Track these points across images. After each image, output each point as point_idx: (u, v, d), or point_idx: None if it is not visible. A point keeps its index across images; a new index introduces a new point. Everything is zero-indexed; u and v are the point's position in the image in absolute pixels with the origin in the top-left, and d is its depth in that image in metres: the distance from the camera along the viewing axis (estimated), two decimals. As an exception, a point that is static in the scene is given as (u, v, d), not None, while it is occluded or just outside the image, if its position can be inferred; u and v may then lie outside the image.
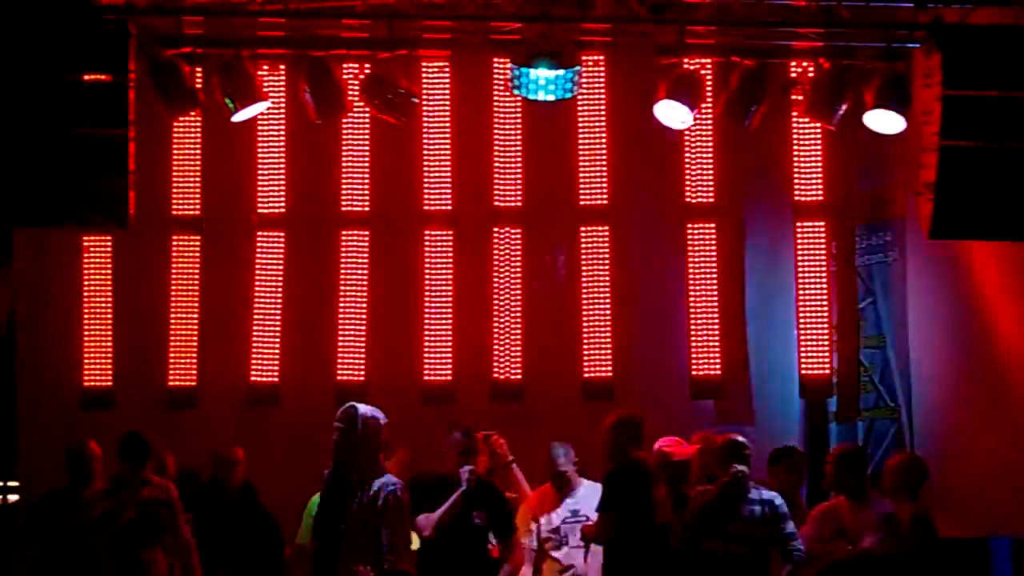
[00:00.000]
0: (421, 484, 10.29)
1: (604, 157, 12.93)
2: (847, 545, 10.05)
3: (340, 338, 12.87)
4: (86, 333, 12.96)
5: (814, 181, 12.89)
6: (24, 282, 13.15)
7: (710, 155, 12.93)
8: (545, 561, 10.84)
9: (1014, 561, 12.27)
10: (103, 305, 12.96)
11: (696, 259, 12.95)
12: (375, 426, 9.33)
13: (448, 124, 12.94)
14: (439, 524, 10.22)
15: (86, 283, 13.00)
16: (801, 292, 12.82)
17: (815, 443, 12.52)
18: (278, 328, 12.88)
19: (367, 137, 12.99)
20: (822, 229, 12.89)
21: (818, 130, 12.73)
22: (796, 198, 12.92)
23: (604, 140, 12.93)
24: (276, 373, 12.86)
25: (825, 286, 12.82)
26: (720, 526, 9.93)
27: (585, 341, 12.84)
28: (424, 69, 12.71)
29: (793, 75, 12.16)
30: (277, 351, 12.87)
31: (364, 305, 12.89)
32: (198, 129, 12.97)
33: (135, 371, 12.87)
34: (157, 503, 10.38)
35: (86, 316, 12.96)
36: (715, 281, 12.90)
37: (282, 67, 12.52)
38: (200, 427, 12.44)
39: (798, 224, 12.91)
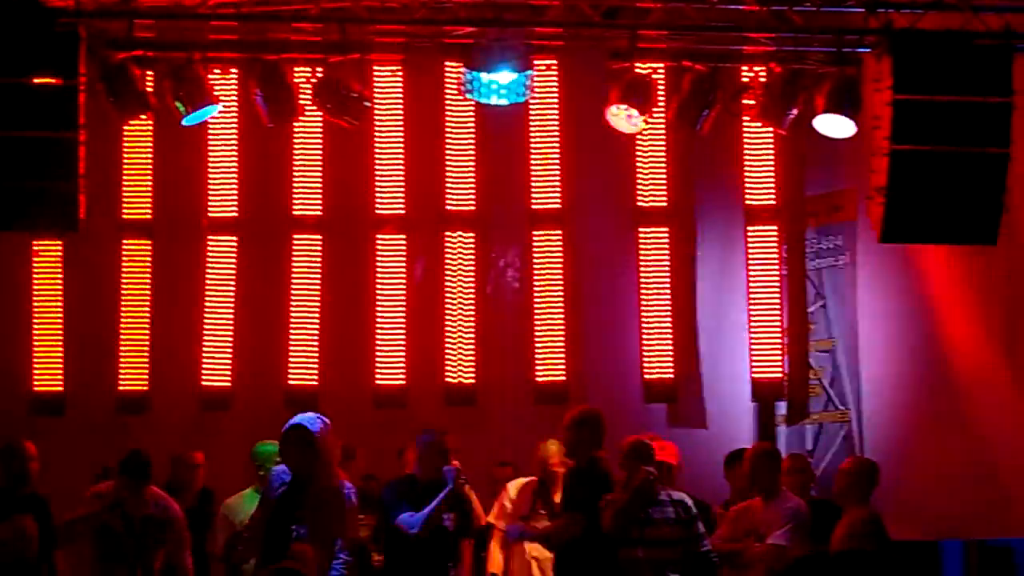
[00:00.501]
0: (397, 487, 10.32)
1: (557, 161, 12.98)
2: (755, 542, 10.08)
3: (292, 342, 12.86)
4: (36, 337, 12.88)
5: (765, 185, 12.95)
6: (-27, 286, 13.08)
7: (662, 159, 13.00)
8: (519, 548, 10.88)
9: (964, 564, 12.32)
10: (53, 309, 12.90)
11: (648, 263, 13.01)
12: (331, 438, 9.36)
13: (401, 128, 12.95)
14: (429, 522, 10.18)
15: (36, 287, 12.93)
16: (752, 296, 12.89)
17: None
18: (230, 332, 12.87)
19: (319, 141, 12.99)
20: (774, 233, 12.96)
21: (769, 134, 12.79)
22: (747, 202, 12.97)
23: (557, 144, 12.98)
24: (228, 377, 12.83)
25: (777, 290, 12.90)
26: (635, 532, 9.84)
27: (538, 345, 12.88)
28: (376, 73, 12.67)
29: (744, 80, 12.14)
30: (229, 355, 12.85)
31: (316, 309, 12.89)
32: (149, 132, 12.94)
33: (86, 376, 12.82)
34: (147, 519, 10.30)
35: (36, 320, 12.89)
36: (667, 285, 12.97)
37: (233, 71, 12.45)
38: (151, 432, 12.32)
39: (749, 228, 12.98)
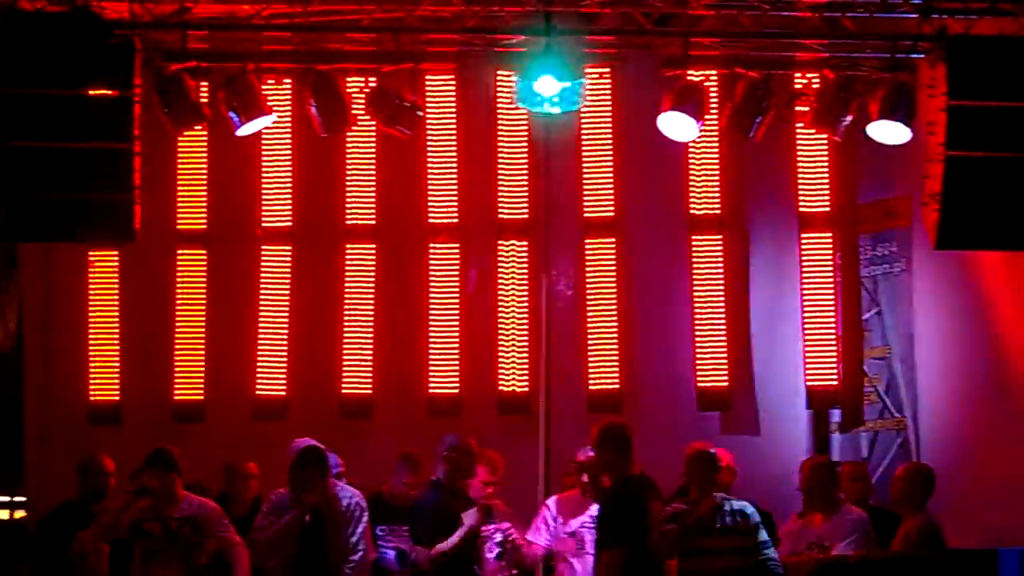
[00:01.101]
0: (424, 501, 10.49)
1: (610, 169, 12.93)
2: (819, 554, 10.05)
3: (346, 351, 12.86)
4: (92, 348, 12.94)
5: (819, 192, 12.88)
6: (30, 297, 13.15)
7: (715, 167, 12.93)
8: (560, 563, 10.82)
9: (1022, 572, 12.24)
10: (109, 319, 12.94)
11: (702, 271, 12.94)
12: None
13: (453, 137, 12.94)
14: (438, 559, 10.33)
15: (92, 297, 12.98)
16: (807, 303, 12.82)
17: (820, 454, 12.47)
18: (284, 341, 12.89)
19: (372, 150, 13.00)
20: (828, 240, 12.88)
21: (823, 141, 12.74)
22: (801, 209, 12.91)
23: (610, 152, 12.94)
24: (283, 387, 12.85)
25: (831, 297, 12.81)
26: (696, 544, 9.85)
27: (591, 353, 12.83)
28: (429, 82, 12.70)
29: (798, 86, 12.15)
30: (284, 364, 12.87)
31: (370, 318, 12.90)
32: (204, 143, 12.98)
33: (142, 385, 12.86)
34: (184, 520, 10.44)
35: (92, 330, 12.94)
36: (721, 292, 12.89)
37: (287, 81, 12.52)
38: (207, 441, 12.39)
39: (803, 235, 12.91)
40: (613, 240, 12.96)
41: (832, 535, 10.07)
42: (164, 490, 10.39)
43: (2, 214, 11.54)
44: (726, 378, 12.80)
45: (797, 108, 12.07)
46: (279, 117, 12.43)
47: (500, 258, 12.96)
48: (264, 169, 13.03)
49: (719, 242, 12.96)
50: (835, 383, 12.69)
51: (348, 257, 12.97)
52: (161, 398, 12.80)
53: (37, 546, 10.87)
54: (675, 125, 11.74)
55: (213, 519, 10.50)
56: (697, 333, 12.86)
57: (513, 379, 12.84)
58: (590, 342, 12.85)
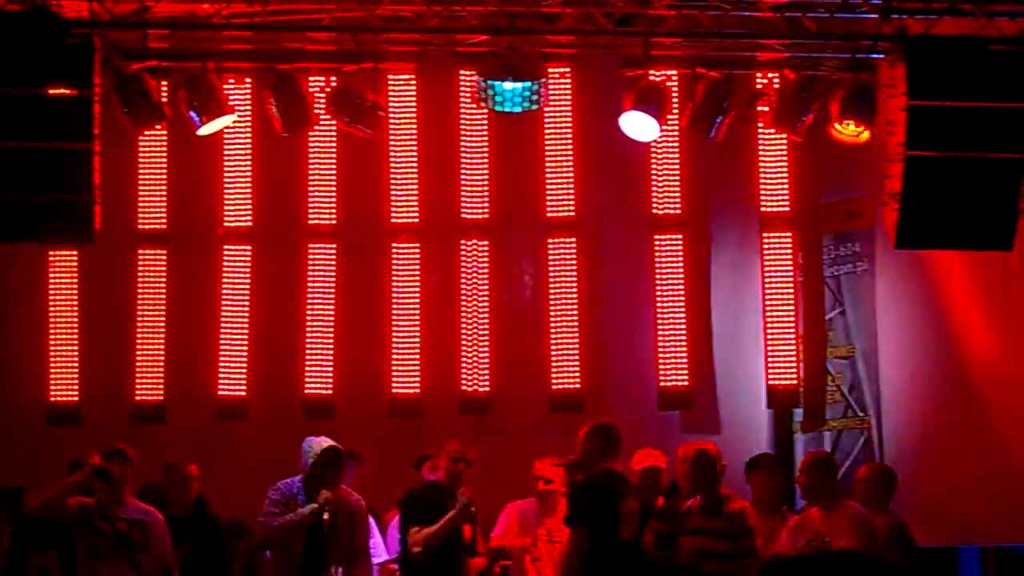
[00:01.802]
0: (418, 495, 10.58)
1: (571, 169, 12.88)
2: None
3: (308, 351, 12.80)
4: (52, 348, 12.87)
5: (780, 192, 12.84)
6: (-11, 296, 13.07)
7: (677, 166, 12.89)
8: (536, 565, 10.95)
9: (982, 570, 12.29)
10: (69, 319, 12.88)
11: (663, 271, 12.88)
12: None
13: (415, 136, 12.87)
14: (428, 543, 10.43)
15: (52, 297, 12.91)
16: (768, 303, 12.76)
17: (781, 453, 12.51)
18: (245, 342, 12.83)
19: (334, 150, 12.94)
20: (789, 240, 12.84)
21: (784, 141, 12.71)
22: (762, 209, 12.87)
23: (571, 152, 12.88)
24: (244, 387, 12.79)
25: (792, 297, 12.75)
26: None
27: (553, 353, 12.79)
28: (390, 82, 12.65)
29: (759, 86, 12.16)
30: (244, 365, 12.82)
31: (331, 318, 12.83)
32: (164, 143, 12.91)
33: (102, 385, 12.80)
34: (133, 521, 10.47)
35: (52, 330, 12.88)
36: (682, 292, 12.83)
37: (248, 80, 12.47)
38: (167, 442, 12.33)
39: (765, 235, 12.85)
40: (574, 240, 12.92)
41: (835, 530, 9.92)
42: (122, 479, 10.45)
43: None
44: (687, 377, 12.76)
45: (758, 108, 12.05)
46: (240, 116, 12.39)
47: (462, 258, 12.90)
48: (225, 169, 12.97)
49: (680, 242, 12.90)
50: (795, 382, 12.64)
51: (310, 257, 12.92)
52: (121, 398, 12.73)
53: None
54: (636, 125, 11.74)
55: (158, 527, 10.54)
56: (659, 332, 12.80)
57: (475, 379, 12.79)
58: (552, 342, 12.81)
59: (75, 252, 12.86)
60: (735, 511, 10.02)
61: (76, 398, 12.80)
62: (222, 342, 12.84)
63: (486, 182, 12.95)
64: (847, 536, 9.85)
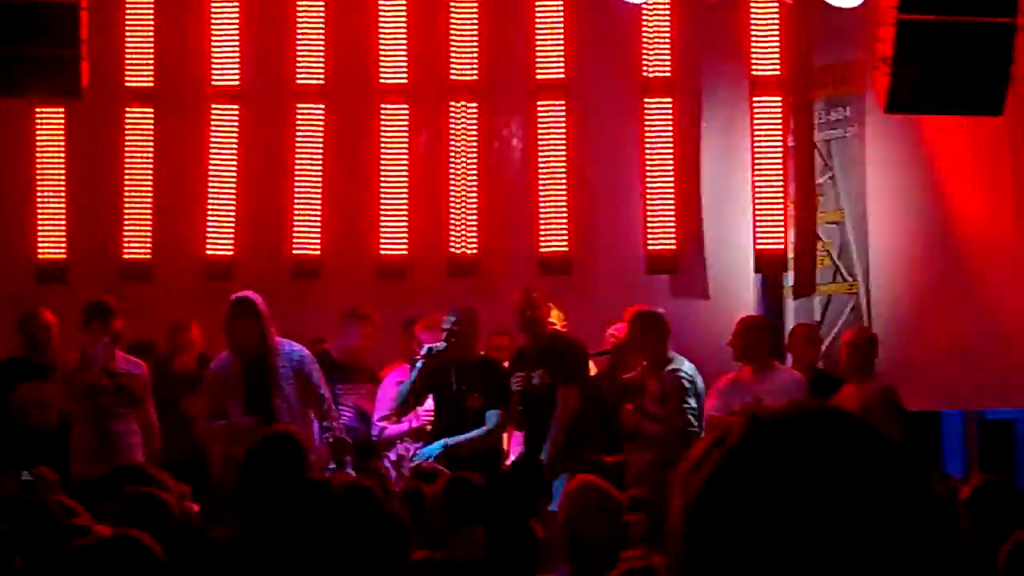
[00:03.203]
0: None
1: (561, 30, 12.75)
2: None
3: (295, 212, 12.76)
4: (39, 206, 12.82)
5: (771, 55, 12.71)
6: (-25, 155, 13.04)
7: (667, 29, 12.74)
8: None
9: (964, 434, 12.36)
10: (56, 177, 12.79)
11: (652, 134, 12.76)
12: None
13: (403, -6, 12.72)
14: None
15: (39, 155, 12.81)
16: (757, 167, 12.64)
17: (771, 319, 12.33)
18: (233, 202, 12.76)
19: (322, 8, 12.81)
20: (779, 104, 12.72)
21: (776, 3, 12.57)
22: (753, 72, 12.73)
23: (561, 13, 12.75)
24: (231, 247, 12.77)
25: (781, 161, 12.66)
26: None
27: (541, 215, 12.74)
28: (377, -60, 12.56)
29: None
30: (232, 225, 12.76)
31: (319, 179, 12.77)
32: (151, -1, 12.76)
33: (89, 244, 12.76)
34: (129, 374, 10.49)
35: (39, 189, 12.81)
36: (671, 156, 12.72)
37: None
38: (154, 300, 12.33)
39: (755, 98, 12.72)
40: (564, 102, 12.81)
41: (767, 395, 9.80)
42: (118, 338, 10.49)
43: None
44: (675, 241, 12.72)
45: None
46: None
47: (451, 120, 12.80)
48: (213, 26, 12.83)
49: (670, 105, 12.80)
50: (783, 247, 12.61)
51: (298, 117, 12.82)
52: (109, 256, 12.69)
53: None
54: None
55: (146, 381, 10.58)
56: (647, 195, 12.74)
57: (463, 241, 12.77)
58: (540, 205, 12.76)
59: (62, 109, 12.70)
60: (667, 372, 10.14)
61: (64, 256, 12.76)
62: (210, 201, 12.76)
63: (476, 43, 12.82)
64: (783, 400, 9.80)
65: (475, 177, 12.76)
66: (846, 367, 10.56)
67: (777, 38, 12.66)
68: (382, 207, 12.75)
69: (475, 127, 12.81)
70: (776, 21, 12.65)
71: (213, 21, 12.84)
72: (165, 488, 6.35)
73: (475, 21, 12.79)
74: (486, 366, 10.57)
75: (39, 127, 12.82)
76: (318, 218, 12.75)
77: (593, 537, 5.83)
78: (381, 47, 12.79)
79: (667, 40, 12.75)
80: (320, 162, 12.78)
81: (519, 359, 10.54)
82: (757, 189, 12.64)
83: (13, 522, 5.72)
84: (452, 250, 12.75)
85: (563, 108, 12.79)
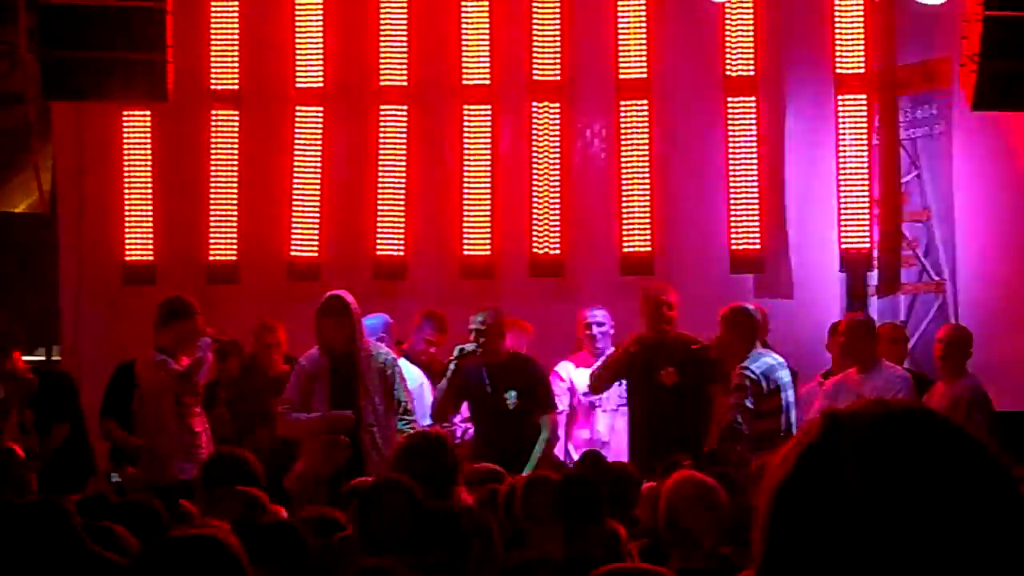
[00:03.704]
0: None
1: (644, 29, 12.70)
2: None
3: (379, 213, 12.79)
4: (127, 208, 12.91)
5: (856, 53, 12.59)
6: (63, 157, 13.16)
7: (751, 26, 12.65)
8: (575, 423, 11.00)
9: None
10: (143, 179, 12.88)
11: (736, 133, 12.67)
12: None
13: (486, -5, 12.70)
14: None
15: (126, 158, 12.90)
16: (842, 165, 12.53)
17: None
18: (317, 203, 12.82)
19: (404, 9, 12.85)
20: (864, 102, 12.61)
21: (861, 1, 12.50)
22: (838, 70, 12.63)
23: (643, 11, 12.70)
24: (316, 248, 12.82)
25: (866, 159, 12.54)
26: None
27: (624, 215, 12.68)
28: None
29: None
30: (316, 226, 12.82)
31: (403, 180, 12.78)
32: (236, 2, 12.87)
33: (176, 245, 12.86)
34: (190, 368, 10.49)
35: (126, 191, 12.89)
36: (755, 155, 12.61)
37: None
38: (240, 301, 12.41)
39: (840, 97, 12.60)
40: (646, 101, 12.75)
41: (875, 392, 9.79)
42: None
43: (37, 72, 11.58)
44: (759, 240, 12.61)
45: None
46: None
47: (533, 120, 12.79)
48: (297, 28, 12.90)
49: (754, 103, 12.69)
50: (868, 245, 12.51)
51: (381, 118, 12.84)
52: (195, 258, 12.80)
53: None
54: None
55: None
56: (731, 195, 12.64)
57: (546, 241, 12.73)
58: (623, 205, 12.70)
59: (148, 112, 12.81)
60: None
61: (151, 258, 12.85)
62: (295, 203, 12.82)
63: (558, 43, 12.81)
64: (887, 397, 9.65)
65: (558, 177, 12.71)
66: (938, 364, 10.48)
67: (862, 35, 12.54)
68: (465, 207, 12.72)
69: (557, 127, 12.77)
70: (861, 18, 12.55)
71: (297, 23, 12.90)
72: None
73: (557, 20, 12.77)
74: (517, 364, 10.53)
75: (126, 130, 12.92)
76: (402, 219, 12.75)
77: (692, 529, 5.77)
78: (464, 47, 12.80)
79: (750, 38, 12.65)
80: (403, 163, 12.78)
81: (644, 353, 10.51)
82: (842, 188, 12.52)
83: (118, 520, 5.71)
84: (535, 250, 12.72)
85: (646, 107, 12.72)
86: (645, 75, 12.74)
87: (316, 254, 12.83)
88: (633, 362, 10.50)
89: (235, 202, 12.84)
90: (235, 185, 12.85)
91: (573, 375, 11.14)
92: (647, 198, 12.67)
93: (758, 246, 12.62)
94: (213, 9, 12.85)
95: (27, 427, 10.78)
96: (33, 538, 4.29)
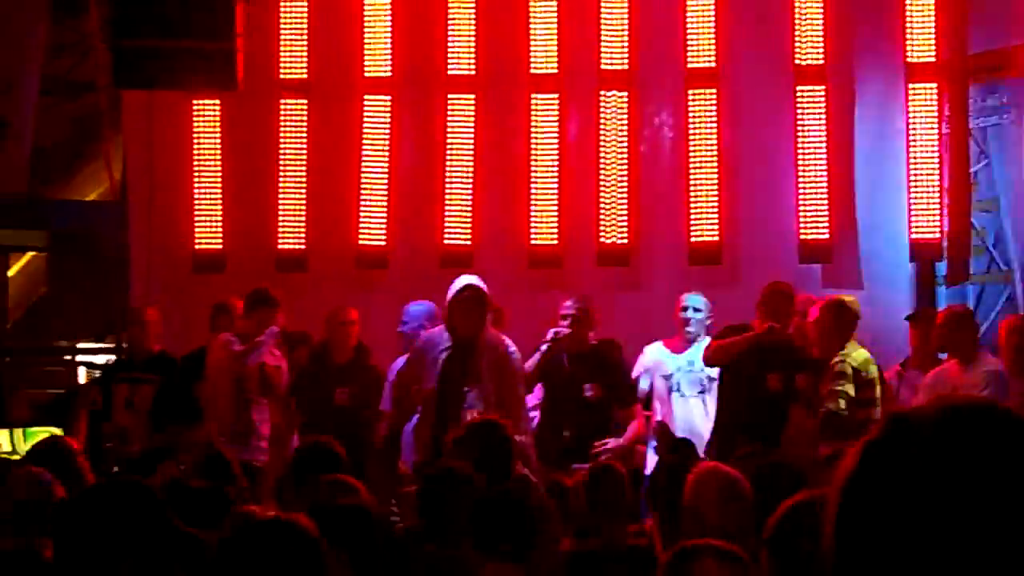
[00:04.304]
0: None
1: (712, 18, 12.67)
2: None
3: (447, 202, 12.80)
4: (196, 197, 12.98)
5: (926, 41, 12.52)
6: (134, 146, 13.24)
7: (820, 15, 12.60)
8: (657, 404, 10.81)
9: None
10: (213, 169, 12.96)
11: (805, 122, 12.58)
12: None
13: (555, -15, 12.64)
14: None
15: (195, 146, 12.97)
16: (912, 155, 12.46)
17: (927, 307, 12.20)
18: (385, 191, 12.84)
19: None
20: (934, 91, 12.52)
21: (931, -12, 12.38)
22: (908, 59, 12.55)
23: (712, 0, 12.69)
24: (384, 236, 12.83)
25: (936, 148, 12.46)
26: None
27: (692, 205, 12.63)
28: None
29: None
30: (385, 214, 12.83)
31: (470, 168, 12.78)
32: (305, -8, 12.85)
33: (245, 234, 12.90)
34: (275, 366, 10.62)
35: (196, 180, 12.96)
36: (824, 144, 12.53)
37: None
38: (310, 290, 12.45)
39: (910, 86, 12.52)
40: (715, 90, 12.69)
41: (968, 387, 9.65)
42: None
43: (109, 62, 11.66)
44: (828, 230, 12.54)
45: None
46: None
47: (601, 109, 12.75)
48: (366, 17, 12.92)
49: (823, 93, 12.60)
50: (938, 235, 12.42)
51: (449, 107, 12.84)
52: (264, 247, 12.84)
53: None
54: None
55: (285, 376, 10.72)
56: (799, 184, 12.56)
57: (613, 230, 12.68)
58: (691, 194, 12.65)
59: (218, 101, 12.88)
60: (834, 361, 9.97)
61: (220, 246, 12.92)
62: (362, 192, 12.84)
63: (626, 32, 12.76)
64: (979, 391, 9.59)
65: (625, 166, 12.65)
66: (1004, 357, 10.27)
67: (932, 23, 12.47)
68: (533, 197, 12.70)
69: (625, 116, 12.71)
70: (932, 6, 12.48)
71: (366, 12, 12.91)
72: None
73: (626, 8, 12.74)
74: (601, 354, 10.35)
75: (196, 119, 12.99)
76: (469, 207, 12.76)
77: (718, 526, 5.58)
78: (532, 37, 12.77)
79: (819, 27, 12.58)
80: (471, 152, 12.77)
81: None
82: (912, 177, 12.44)
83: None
84: (602, 239, 12.68)
85: (714, 96, 12.67)
86: (713, 64, 12.69)
87: (384, 243, 12.85)
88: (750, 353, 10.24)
89: (304, 191, 12.88)
90: (303, 174, 12.89)
91: (660, 356, 10.89)
92: (715, 188, 12.60)
93: (827, 236, 12.53)
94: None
95: (133, 403, 10.92)
96: (122, 517, 4.42)
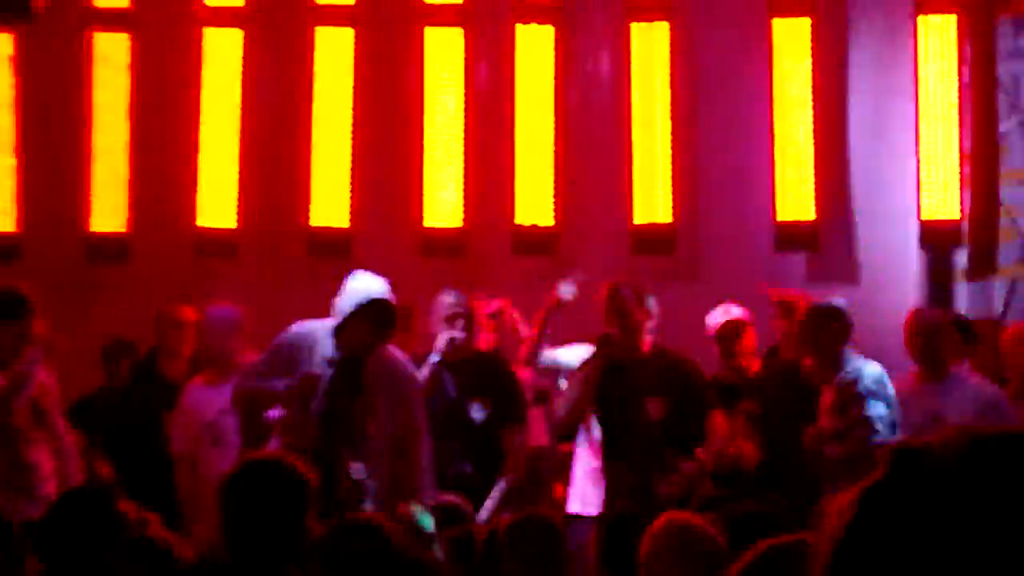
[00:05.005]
0: None
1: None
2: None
3: (313, 173, 11.22)
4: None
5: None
6: None
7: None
8: None
9: None
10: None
11: (784, 66, 11.17)
12: None
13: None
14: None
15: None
16: (922, 110, 11.10)
17: (939, 307, 10.71)
18: (235, 161, 11.22)
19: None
20: (952, 26, 11.12)
21: None
22: (917, -15, 11.29)
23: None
24: (236, 216, 11.26)
25: (955, 102, 11.09)
26: None
27: (636, 174, 11.17)
28: None
29: None
30: (234, 191, 11.27)
31: (347, 127, 11.20)
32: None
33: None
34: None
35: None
36: (808, 93, 11.16)
37: None
38: (131, 281, 11.00)
39: (919, 17, 11.15)
40: (666, 24, 11.19)
41: (951, 410, 8.48)
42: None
43: None
44: (813, 209, 11.21)
45: None
46: None
47: (518, 47, 11.14)
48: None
49: (807, 27, 11.19)
50: (958, 216, 11.10)
51: (317, 45, 11.10)
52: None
53: None
54: None
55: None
56: (776, 148, 11.14)
57: (534, 208, 11.26)
58: (635, 159, 11.16)
59: (11, 34, 11.25)
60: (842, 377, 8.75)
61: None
62: (203, 164, 11.20)
63: None
64: (971, 413, 8.51)
65: (549, 122, 11.18)
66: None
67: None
68: (426, 163, 11.17)
69: (549, 56, 11.17)
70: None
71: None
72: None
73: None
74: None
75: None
76: (346, 181, 11.23)
77: None
78: None
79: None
80: (348, 104, 11.20)
81: None
82: (922, 140, 11.13)
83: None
84: (518, 220, 11.21)
85: (665, 31, 11.12)
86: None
87: (235, 226, 11.27)
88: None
89: (123, 154, 11.19)
90: (125, 131, 11.15)
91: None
92: (666, 151, 11.17)
93: (811, 217, 11.27)
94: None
95: None
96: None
